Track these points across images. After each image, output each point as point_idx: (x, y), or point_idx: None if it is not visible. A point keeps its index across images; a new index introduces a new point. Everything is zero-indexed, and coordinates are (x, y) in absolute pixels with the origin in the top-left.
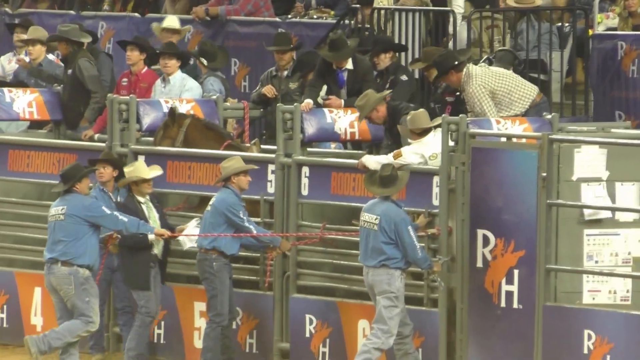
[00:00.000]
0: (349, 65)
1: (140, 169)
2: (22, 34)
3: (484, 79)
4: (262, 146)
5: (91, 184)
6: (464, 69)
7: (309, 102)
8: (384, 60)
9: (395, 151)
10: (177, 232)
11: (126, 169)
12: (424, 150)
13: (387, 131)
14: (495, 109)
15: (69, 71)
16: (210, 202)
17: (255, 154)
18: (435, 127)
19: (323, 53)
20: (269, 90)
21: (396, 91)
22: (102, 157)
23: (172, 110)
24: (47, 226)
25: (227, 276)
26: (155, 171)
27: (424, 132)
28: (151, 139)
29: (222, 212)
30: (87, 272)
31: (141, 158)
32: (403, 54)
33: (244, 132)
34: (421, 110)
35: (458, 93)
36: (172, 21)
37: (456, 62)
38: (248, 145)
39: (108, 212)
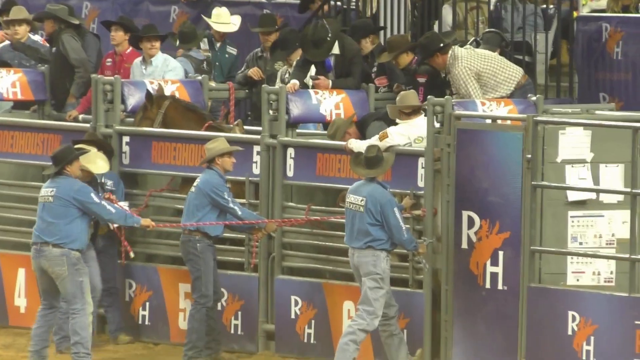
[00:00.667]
0: (336, 50)
1: (91, 161)
2: (6, 16)
3: (470, 61)
4: (248, 127)
5: None
6: (450, 51)
7: (294, 82)
8: (366, 45)
9: (381, 132)
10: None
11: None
12: (411, 132)
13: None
14: (480, 90)
15: (54, 49)
16: (195, 184)
17: (240, 135)
18: (424, 108)
19: (308, 55)
20: (255, 72)
21: (391, 77)
22: (87, 137)
23: (149, 93)
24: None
25: (211, 257)
26: (102, 169)
27: (413, 112)
28: None
29: (206, 193)
30: (78, 253)
31: (125, 138)
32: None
33: (229, 114)
34: (411, 90)
35: (427, 75)
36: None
37: (441, 45)
38: (231, 126)
39: (96, 200)
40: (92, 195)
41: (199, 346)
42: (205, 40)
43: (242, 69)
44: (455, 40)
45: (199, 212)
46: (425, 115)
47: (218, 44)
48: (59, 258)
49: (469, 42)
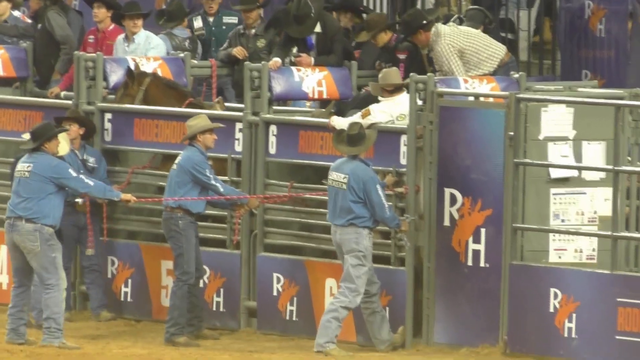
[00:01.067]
0: (317, 28)
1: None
2: None
3: (453, 38)
4: (231, 104)
5: None
6: (433, 28)
7: (276, 60)
8: (344, 20)
9: (364, 109)
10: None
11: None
12: (393, 109)
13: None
14: (463, 68)
15: (39, 26)
16: (176, 161)
17: (222, 112)
18: (406, 86)
19: (290, 31)
20: (239, 51)
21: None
22: (68, 114)
23: (130, 70)
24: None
25: (193, 234)
26: (62, 151)
27: (396, 90)
28: None
29: (187, 170)
30: (51, 229)
31: (108, 115)
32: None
33: (211, 90)
34: (393, 68)
35: (408, 52)
36: None
37: (424, 22)
38: (211, 103)
39: (74, 174)
40: (70, 170)
41: (180, 323)
42: (199, 17)
43: (225, 45)
44: (438, 18)
45: (180, 189)
46: (407, 93)
47: (211, 19)
48: (32, 233)
49: (452, 19)
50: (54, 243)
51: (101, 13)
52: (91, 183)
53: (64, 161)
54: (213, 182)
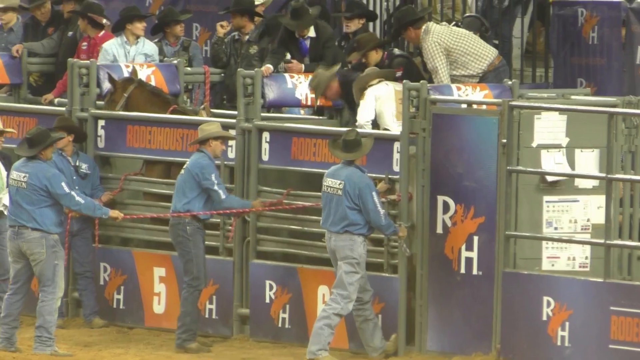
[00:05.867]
0: (311, 33)
1: None
2: None
3: (441, 36)
4: (223, 111)
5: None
6: (424, 26)
7: (268, 66)
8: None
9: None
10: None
11: None
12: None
13: (345, 104)
14: (447, 66)
15: (70, 33)
16: (184, 166)
17: (217, 119)
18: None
19: (285, 22)
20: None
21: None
22: (56, 124)
23: (111, 78)
24: (9, 188)
25: (201, 240)
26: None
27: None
28: None
29: (195, 174)
30: (56, 235)
31: (101, 122)
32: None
33: (205, 97)
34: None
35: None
36: None
37: (414, 19)
38: (196, 109)
39: (66, 190)
40: (63, 184)
41: (192, 329)
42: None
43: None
44: (430, 16)
45: (190, 193)
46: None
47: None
48: (39, 240)
49: (450, 24)
50: (58, 250)
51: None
52: (82, 201)
53: (59, 173)
54: (216, 187)
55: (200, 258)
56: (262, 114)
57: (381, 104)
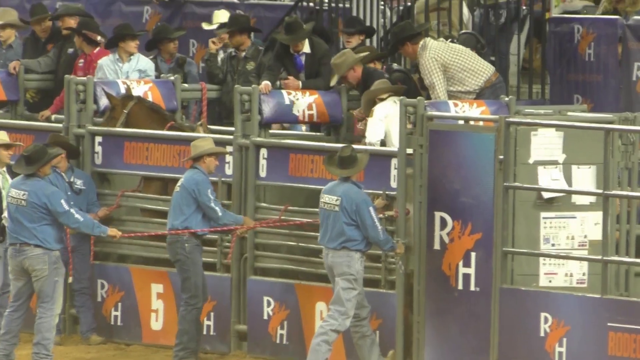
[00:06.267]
0: (306, 49)
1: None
2: None
3: (438, 52)
4: (220, 127)
5: None
6: (421, 42)
7: (267, 83)
8: (354, 39)
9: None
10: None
11: None
12: (378, 120)
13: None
14: (444, 82)
15: (71, 50)
16: (179, 183)
17: (214, 136)
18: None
19: (279, 37)
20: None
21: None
22: (49, 141)
23: (109, 95)
24: (7, 206)
25: (199, 257)
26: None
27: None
28: None
29: (191, 190)
30: (57, 252)
31: (98, 139)
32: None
33: (201, 113)
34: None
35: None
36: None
37: (412, 34)
38: (193, 126)
39: (66, 208)
40: (62, 202)
41: (190, 347)
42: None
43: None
44: (426, 32)
45: (187, 210)
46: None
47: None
48: (41, 257)
49: (447, 41)
50: (59, 267)
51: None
52: (81, 219)
53: (58, 190)
54: (212, 204)
55: (198, 276)
56: (272, 131)
57: (389, 122)
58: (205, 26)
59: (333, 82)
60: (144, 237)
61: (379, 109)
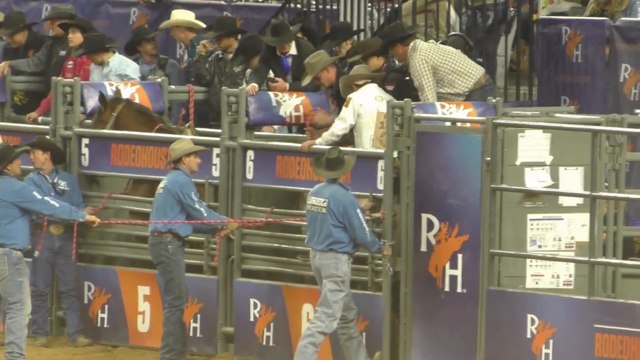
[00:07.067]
0: (293, 50)
1: None
2: None
3: (428, 54)
4: (207, 129)
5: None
6: (411, 43)
7: (254, 85)
8: (346, 47)
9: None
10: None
11: None
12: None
13: (333, 97)
14: (434, 84)
15: (63, 52)
16: (161, 185)
17: (200, 137)
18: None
19: (265, 39)
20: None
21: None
22: (33, 143)
23: (102, 96)
24: None
25: (182, 259)
26: None
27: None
28: None
29: (175, 193)
30: (19, 253)
31: (85, 140)
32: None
33: (188, 115)
34: (362, 64)
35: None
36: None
37: (402, 35)
38: (181, 128)
39: (39, 197)
40: (34, 193)
41: (176, 349)
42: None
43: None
44: (418, 33)
45: (170, 212)
46: (378, 85)
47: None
48: (1, 258)
49: (437, 43)
50: (22, 267)
51: (76, 38)
52: (56, 204)
53: (27, 185)
54: (197, 206)
55: (182, 277)
56: (256, 133)
57: (361, 123)
58: (163, 25)
59: (305, 82)
60: (131, 239)
61: (355, 101)
